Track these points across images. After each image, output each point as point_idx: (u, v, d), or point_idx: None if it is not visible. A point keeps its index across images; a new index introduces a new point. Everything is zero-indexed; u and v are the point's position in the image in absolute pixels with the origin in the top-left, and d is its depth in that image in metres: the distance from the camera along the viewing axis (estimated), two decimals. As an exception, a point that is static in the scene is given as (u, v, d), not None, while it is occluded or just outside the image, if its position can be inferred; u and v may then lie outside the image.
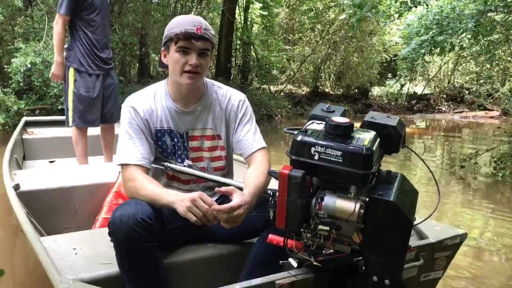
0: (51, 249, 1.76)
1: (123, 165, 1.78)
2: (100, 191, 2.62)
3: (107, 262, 1.69)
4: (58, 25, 3.55)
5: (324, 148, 1.32)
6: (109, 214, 2.44)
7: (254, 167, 1.87)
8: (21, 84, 7.97)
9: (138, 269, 1.58)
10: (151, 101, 1.86)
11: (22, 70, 7.72)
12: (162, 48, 1.84)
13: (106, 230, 1.62)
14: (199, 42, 1.74)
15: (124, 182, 1.80)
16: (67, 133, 4.17)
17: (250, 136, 1.94)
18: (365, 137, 1.36)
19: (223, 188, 1.70)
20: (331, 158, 1.31)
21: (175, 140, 1.89)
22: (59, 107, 8.22)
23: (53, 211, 2.48)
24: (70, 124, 3.62)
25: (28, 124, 4.55)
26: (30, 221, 1.99)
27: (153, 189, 1.70)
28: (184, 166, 1.89)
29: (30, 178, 2.67)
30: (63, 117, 4.94)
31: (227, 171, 2.04)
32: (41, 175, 2.83)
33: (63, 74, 3.60)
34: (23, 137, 4.09)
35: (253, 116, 2.00)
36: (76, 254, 1.78)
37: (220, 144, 1.96)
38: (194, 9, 11.97)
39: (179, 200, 1.61)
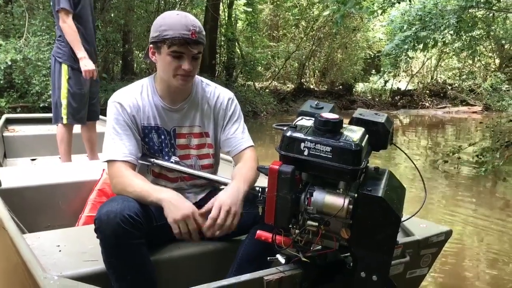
0: (34, 246, 1.72)
1: (110, 161, 1.76)
2: (84, 189, 2.58)
3: (92, 259, 1.66)
4: (65, 23, 3.43)
5: (314, 143, 1.32)
6: (92, 212, 2.43)
7: (242, 163, 1.86)
8: (1, 82, 7.85)
9: (125, 266, 1.55)
10: (138, 97, 1.84)
11: (2, 68, 7.61)
12: (150, 46, 1.79)
13: (90, 227, 1.60)
14: (194, 48, 1.71)
15: (110, 178, 1.77)
16: (49, 131, 4.12)
17: (238, 134, 1.93)
18: (354, 133, 1.36)
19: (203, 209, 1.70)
20: (321, 154, 1.30)
21: (162, 137, 1.87)
22: (41, 105, 8.12)
23: (35, 209, 2.43)
24: (65, 121, 3.57)
25: (8, 121, 4.48)
26: (12, 219, 1.96)
27: (141, 186, 1.68)
28: (171, 162, 1.87)
29: (11, 176, 2.61)
30: (44, 115, 4.91)
31: (215, 169, 2.02)
32: (23, 173, 2.77)
33: (94, 67, 3.54)
34: (4, 134, 4.02)
35: (241, 115, 2.00)
36: (60, 251, 1.74)
37: (208, 141, 1.94)
38: (178, 5, 11.88)
39: (172, 206, 1.62)
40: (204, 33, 1.77)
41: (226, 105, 1.94)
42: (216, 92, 1.95)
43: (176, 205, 1.62)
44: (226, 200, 1.65)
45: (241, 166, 1.84)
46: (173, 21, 1.71)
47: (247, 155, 1.90)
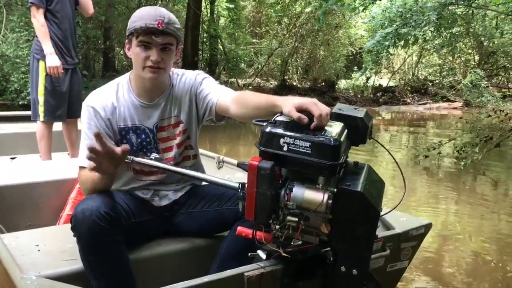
0: (12, 246, 1.71)
1: (80, 168, 1.75)
2: (64, 187, 2.55)
3: (71, 258, 1.64)
4: (35, 18, 3.42)
5: (293, 139, 1.31)
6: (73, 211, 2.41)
7: (245, 92, 1.82)
8: (-21, 79, 7.72)
9: (102, 265, 1.54)
10: (113, 99, 1.81)
11: (-21, 65, 7.48)
12: (126, 41, 1.79)
13: (70, 226, 1.58)
14: (159, 37, 1.68)
15: (79, 184, 1.78)
16: (29, 129, 4.06)
17: (219, 88, 1.88)
18: (333, 129, 1.36)
19: None
20: (300, 149, 1.30)
21: (143, 136, 1.84)
22: (20, 103, 8.00)
23: (15, 208, 2.40)
24: (42, 119, 3.53)
25: None
26: None
27: (93, 174, 1.62)
28: (151, 159, 1.84)
29: None
30: (23, 112, 4.84)
31: (197, 161, 2.00)
32: (2, 171, 2.73)
33: (59, 63, 3.47)
34: None
35: (215, 81, 1.94)
36: (39, 250, 1.73)
37: (181, 128, 1.89)
38: (160, 2, 11.80)
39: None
40: (176, 25, 1.74)
41: (196, 83, 1.89)
42: (184, 77, 1.91)
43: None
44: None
45: (249, 93, 1.76)
46: (143, 13, 1.72)
47: (239, 92, 1.83)
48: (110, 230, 1.52)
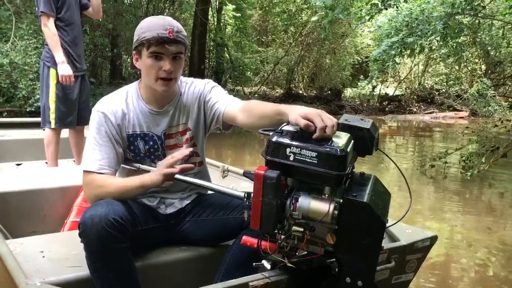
0: (17, 252, 1.70)
1: (86, 172, 1.74)
2: (70, 194, 2.55)
3: (76, 265, 1.64)
4: (46, 26, 3.43)
5: (299, 149, 1.31)
6: (78, 217, 2.39)
7: (252, 101, 1.82)
8: (-13, 86, 7.79)
9: (109, 271, 1.54)
10: (123, 105, 1.81)
11: (-12, 72, 7.54)
12: (133, 52, 1.78)
13: (75, 232, 1.58)
14: (172, 46, 1.69)
15: (84, 187, 1.76)
16: (35, 135, 4.08)
17: (227, 97, 1.89)
18: (340, 139, 1.36)
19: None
20: (306, 159, 1.30)
21: (151, 143, 1.84)
22: (27, 109, 8.05)
23: (20, 214, 2.40)
24: (53, 126, 3.55)
25: None
26: None
27: (121, 180, 1.72)
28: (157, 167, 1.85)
29: None
30: (30, 119, 4.86)
31: (203, 169, 2.01)
32: (7, 178, 2.74)
33: (71, 72, 3.48)
34: None
35: (224, 91, 1.94)
36: (43, 257, 1.72)
37: (188, 135, 1.90)
38: (167, 10, 11.89)
39: (155, 176, 1.69)
40: (184, 33, 1.75)
41: (205, 91, 1.90)
42: (193, 85, 1.92)
43: (156, 172, 1.71)
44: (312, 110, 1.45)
45: (255, 103, 1.78)
46: (151, 23, 1.72)
47: (248, 102, 1.83)
48: (118, 237, 1.51)
